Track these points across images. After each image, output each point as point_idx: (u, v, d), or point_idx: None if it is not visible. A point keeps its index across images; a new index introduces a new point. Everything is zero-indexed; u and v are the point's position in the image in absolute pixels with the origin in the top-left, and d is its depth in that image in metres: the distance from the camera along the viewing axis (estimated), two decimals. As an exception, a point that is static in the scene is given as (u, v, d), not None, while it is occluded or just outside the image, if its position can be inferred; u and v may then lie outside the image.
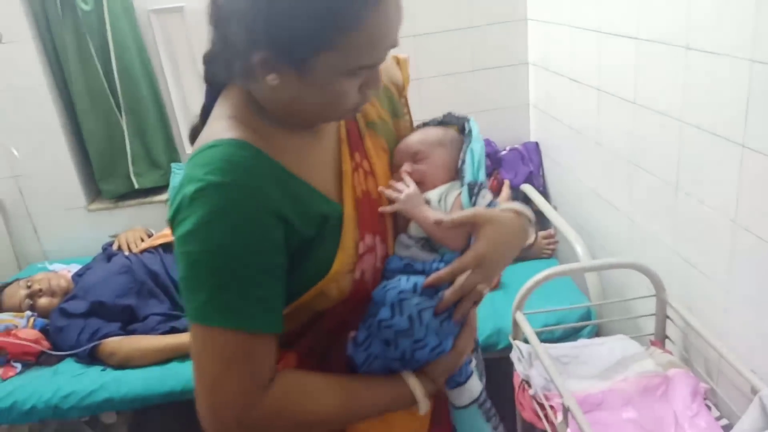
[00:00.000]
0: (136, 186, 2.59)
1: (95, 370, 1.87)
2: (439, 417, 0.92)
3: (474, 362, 0.93)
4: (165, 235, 2.26)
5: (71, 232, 2.65)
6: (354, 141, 0.87)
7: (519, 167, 2.49)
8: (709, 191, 1.36)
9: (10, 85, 2.43)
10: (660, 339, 1.54)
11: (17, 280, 2.20)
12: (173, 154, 2.66)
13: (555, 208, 2.33)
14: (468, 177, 0.88)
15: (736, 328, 1.33)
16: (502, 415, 0.94)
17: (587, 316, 1.80)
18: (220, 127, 0.75)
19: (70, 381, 1.83)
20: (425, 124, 0.99)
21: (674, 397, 1.33)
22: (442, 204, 0.88)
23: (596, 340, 1.61)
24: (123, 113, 2.51)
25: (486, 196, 0.87)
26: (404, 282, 0.80)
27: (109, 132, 2.53)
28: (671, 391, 1.35)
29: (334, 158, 0.84)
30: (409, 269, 0.84)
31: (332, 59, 0.68)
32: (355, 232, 0.81)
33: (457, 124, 0.97)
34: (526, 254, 2.19)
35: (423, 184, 0.89)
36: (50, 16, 2.38)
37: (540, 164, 2.52)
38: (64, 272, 2.30)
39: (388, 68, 0.96)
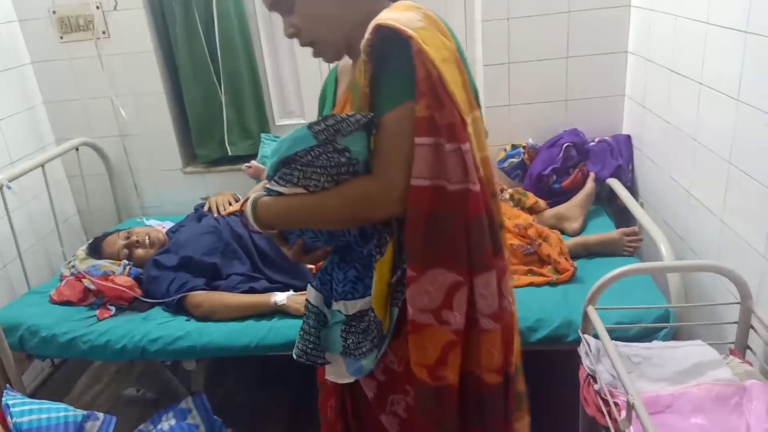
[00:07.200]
0: (230, 153, 2.72)
1: (181, 320, 2.00)
2: None
3: None
4: (251, 200, 2.37)
5: (167, 191, 2.84)
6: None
7: (607, 160, 2.41)
8: (812, 197, 1.27)
9: (122, 50, 2.61)
10: (740, 348, 1.46)
11: (117, 231, 2.39)
12: (264, 126, 2.77)
13: (642, 204, 2.24)
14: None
15: (828, 346, 1.25)
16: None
17: (665, 317, 1.73)
18: None
19: (158, 327, 1.97)
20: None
21: (749, 409, 1.27)
22: None
23: (671, 343, 1.55)
24: (222, 83, 2.64)
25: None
26: None
27: (207, 100, 2.67)
28: (747, 403, 1.29)
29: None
30: None
31: None
32: None
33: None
34: (606, 250, 2.12)
35: None
36: (162, -14, 2.53)
37: (630, 158, 2.43)
38: (159, 227, 2.47)
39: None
